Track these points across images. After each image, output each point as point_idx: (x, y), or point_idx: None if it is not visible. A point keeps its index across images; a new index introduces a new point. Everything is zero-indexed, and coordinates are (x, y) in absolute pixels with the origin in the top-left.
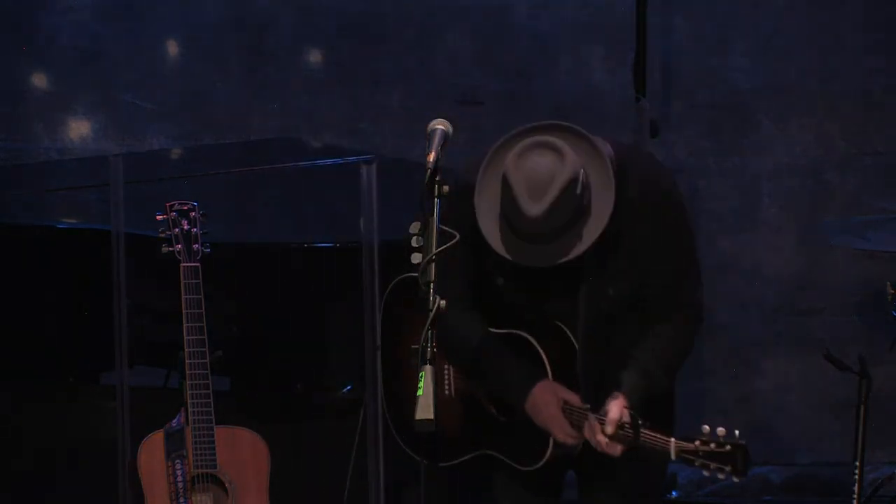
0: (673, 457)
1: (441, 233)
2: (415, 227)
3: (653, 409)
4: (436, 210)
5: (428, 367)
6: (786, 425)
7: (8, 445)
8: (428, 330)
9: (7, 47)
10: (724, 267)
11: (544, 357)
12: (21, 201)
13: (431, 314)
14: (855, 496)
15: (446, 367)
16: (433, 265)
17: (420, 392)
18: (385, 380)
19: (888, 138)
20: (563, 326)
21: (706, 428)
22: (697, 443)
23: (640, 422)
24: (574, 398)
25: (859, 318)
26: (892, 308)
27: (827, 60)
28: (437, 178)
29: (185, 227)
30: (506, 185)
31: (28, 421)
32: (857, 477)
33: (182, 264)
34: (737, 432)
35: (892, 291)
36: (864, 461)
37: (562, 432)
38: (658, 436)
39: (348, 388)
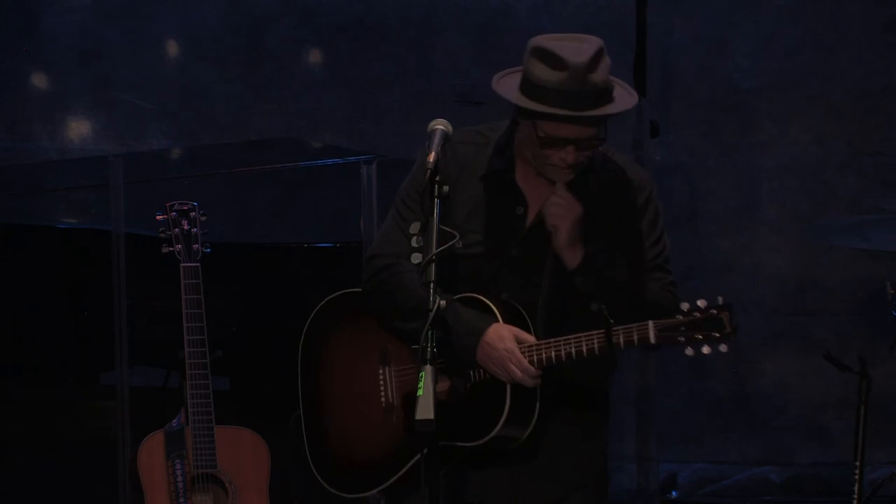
0: (653, 340)
1: (441, 233)
2: (415, 228)
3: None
4: (436, 210)
5: (428, 368)
6: (786, 425)
7: (8, 445)
8: (428, 330)
9: (7, 47)
10: (724, 267)
11: (496, 311)
12: (21, 201)
13: (431, 314)
14: (855, 496)
15: (381, 370)
16: (433, 265)
17: (420, 392)
18: (307, 411)
19: (888, 138)
20: (516, 305)
21: (685, 305)
22: (679, 317)
23: (610, 321)
24: (530, 338)
25: (859, 318)
26: (892, 308)
27: (827, 60)
28: (437, 178)
29: (185, 227)
30: (538, 52)
31: (28, 421)
32: (857, 477)
33: (182, 264)
34: (720, 298)
35: (892, 291)
36: (864, 461)
37: (520, 369)
38: (631, 326)
39: None
